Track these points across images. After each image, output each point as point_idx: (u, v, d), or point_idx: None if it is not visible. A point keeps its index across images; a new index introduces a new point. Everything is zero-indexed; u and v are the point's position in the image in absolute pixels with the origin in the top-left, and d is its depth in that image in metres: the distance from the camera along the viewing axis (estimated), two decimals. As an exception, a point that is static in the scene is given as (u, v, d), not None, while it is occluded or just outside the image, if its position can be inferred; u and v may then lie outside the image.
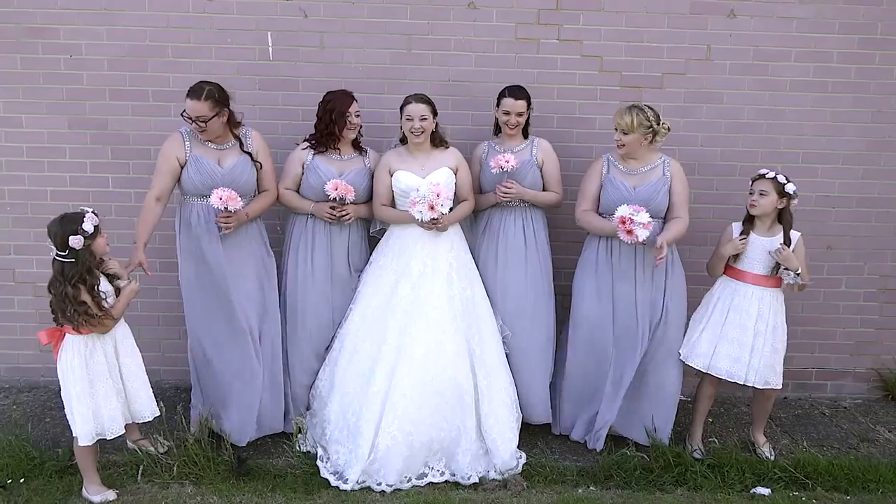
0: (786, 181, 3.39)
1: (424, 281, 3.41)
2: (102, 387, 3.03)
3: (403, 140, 3.60)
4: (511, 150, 3.63)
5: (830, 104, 4.05)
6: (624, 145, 3.44)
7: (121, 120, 3.99)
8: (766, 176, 3.40)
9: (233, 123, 3.47)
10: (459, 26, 3.95)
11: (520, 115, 3.59)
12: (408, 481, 3.26)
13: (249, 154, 3.47)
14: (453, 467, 3.33)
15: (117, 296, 3.10)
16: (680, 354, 3.53)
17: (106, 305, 3.01)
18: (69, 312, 2.90)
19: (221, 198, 3.21)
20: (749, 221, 3.48)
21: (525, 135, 3.72)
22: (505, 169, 3.48)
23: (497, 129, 3.75)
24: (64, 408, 3.84)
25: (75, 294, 2.89)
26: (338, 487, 3.24)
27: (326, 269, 3.57)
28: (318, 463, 3.37)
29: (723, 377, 3.46)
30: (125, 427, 3.25)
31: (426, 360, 3.30)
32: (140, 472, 3.29)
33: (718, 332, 3.47)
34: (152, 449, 3.41)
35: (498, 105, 3.64)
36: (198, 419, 3.50)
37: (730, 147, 4.09)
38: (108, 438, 3.07)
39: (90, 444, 3.03)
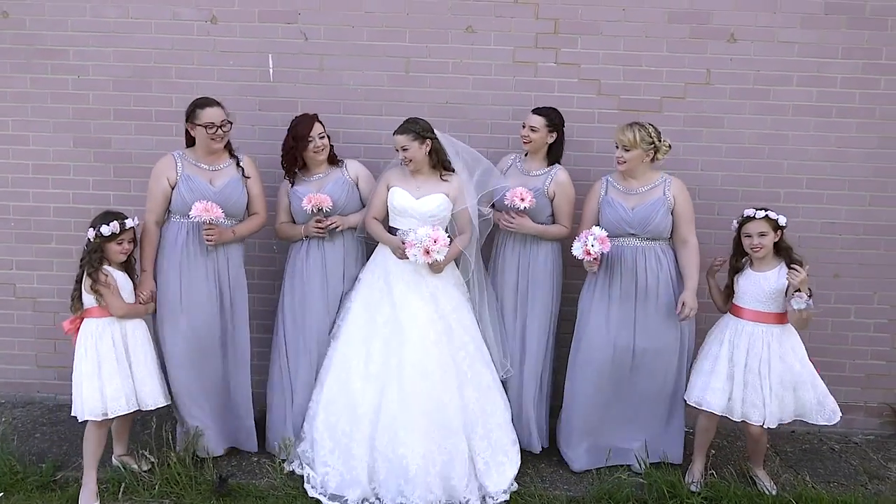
0: (776, 215, 3.33)
1: (407, 301, 3.38)
2: (108, 367, 3.17)
3: None
4: (528, 173, 3.63)
5: (835, 129, 3.98)
6: (625, 162, 3.41)
7: (124, 139, 4.06)
8: (758, 217, 3.32)
9: (229, 144, 3.54)
10: (457, 49, 3.98)
11: (532, 129, 3.57)
12: None
13: (242, 169, 3.50)
14: (449, 491, 3.22)
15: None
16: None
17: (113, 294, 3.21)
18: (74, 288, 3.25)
19: (198, 210, 3.25)
20: (740, 257, 3.41)
21: (551, 161, 3.68)
22: (516, 207, 3.47)
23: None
24: (54, 423, 3.90)
25: (80, 273, 3.22)
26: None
27: (323, 288, 3.56)
28: (306, 485, 3.31)
29: (714, 412, 3.34)
30: (116, 440, 3.39)
31: (412, 383, 3.25)
32: (122, 489, 3.25)
33: (713, 366, 3.37)
34: (135, 466, 3.37)
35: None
36: (183, 437, 3.46)
37: (731, 171, 4.02)
38: (109, 416, 3.18)
39: (98, 419, 3.16)
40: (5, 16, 3.98)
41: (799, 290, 3.20)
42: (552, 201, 3.59)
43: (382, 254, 3.55)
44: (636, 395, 3.49)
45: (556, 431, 3.70)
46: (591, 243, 3.27)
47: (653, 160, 3.45)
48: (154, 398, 3.28)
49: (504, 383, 3.58)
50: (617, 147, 3.43)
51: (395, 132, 3.49)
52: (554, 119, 3.61)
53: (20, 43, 4.00)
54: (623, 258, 3.40)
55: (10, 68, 4.02)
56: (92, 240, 3.19)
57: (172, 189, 3.38)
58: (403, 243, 3.36)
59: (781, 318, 3.34)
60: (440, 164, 3.54)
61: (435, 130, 3.55)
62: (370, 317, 3.41)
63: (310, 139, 3.53)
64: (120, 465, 3.38)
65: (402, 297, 3.39)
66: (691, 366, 3.50)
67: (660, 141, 3.41)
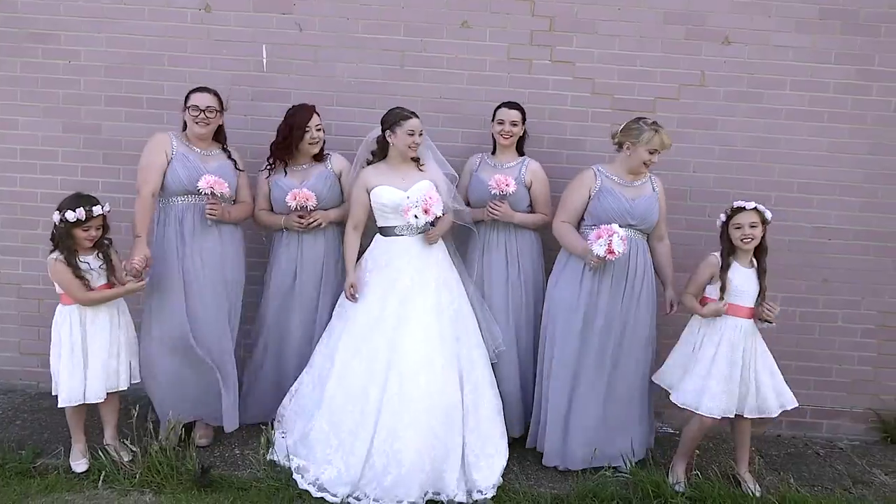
0: (764, 208, 3.34)
1: (413, 295, 3.34)
2: (64, 355, 3.21)
3: (376, 155, 3.57)
4: (502, 166, 3.66)
5: (827, 134, 3.99)
6: (653, 163, 3.43)
7: (114, 126, 4.03)
8: (748, 208, 3.31)
9: (221, 134, 3.55)
10: (452, 45, 3.97)
11: (514, 124, 3.63)
12: None
13: (234, 161, 3.53)
14: (440, 485, 3.20)
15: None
16: (668, 391, 3.46)
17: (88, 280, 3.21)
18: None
19: (209, 182, 3.27)
20: (731, 254, 3.36)
21: (520, 153, 3.74)
22: (504, 192, 3.48)
23: (495, 147, 3.76)
24: (35, 411, 3.89)
25: (51, 259, 3.20)
26: (324, 499, 3.16)
27: (299, 283, 3.57)
28: (295, 475, 3.26)
29: (716, 416, 3.30)
30: (104, 425, 3.40)
31: (416, 377, 3.22)
32: (101, 478, 3.22)
33: (708, 369, 3.31)
34: (116, 456, 3.33)
35: (493, 119, 3.68)
36: (166, 427, 3.42)
37: (723, 174, 4.03)
38: (59, 406, 3.23)
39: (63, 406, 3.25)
40: (-3, -2, 3.95)
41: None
42: (529, 190, 3.64)
43: (383, 249, 3.49)
44: (618, 392, 3.46)
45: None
46: (616, 242, 3.19)
47: None
48: (96, 394, 3.24)
49: (497, 374, 3.56)
50: (653, 152, 3.37)
51: (414, 116, 3.43)
52: (524, 112, 3.69)
53: (11, 26, 3.96)
54: None
55: (1, 52, 3.98)
56: (57, 224, 3.15)
57: (168, 165, 3.38)
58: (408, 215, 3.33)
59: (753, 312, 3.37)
60: (415, 158, 3.54)
61: None
62: (373, 314, 3.36)
63: (307, 129, 3.52)
64: (102, 454, 3.33)
65: (408, 291, 3.35)
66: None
67: None
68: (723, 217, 3.38)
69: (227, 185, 3.32)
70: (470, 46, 3.97)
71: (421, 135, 3.46)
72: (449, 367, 3.29)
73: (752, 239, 3.32)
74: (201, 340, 3.40)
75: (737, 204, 3.35)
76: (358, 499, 3.15)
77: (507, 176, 3.52)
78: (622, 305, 3.42)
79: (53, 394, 3.25)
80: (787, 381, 3.43)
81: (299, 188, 3.48)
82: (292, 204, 3.45)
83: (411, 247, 3.43)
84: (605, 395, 3.46)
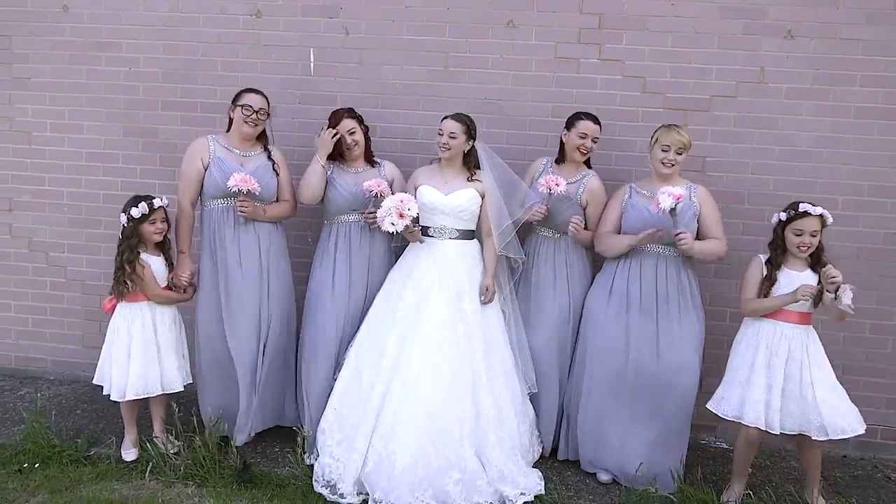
0: (828, 214, 3.11)
1: (431, 295, 3.32)
2: (136, 351, 3.32)
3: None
4: (566, 180, 3.52)
5: (902, 133, 3.71)
6: (674, 165, 3.30)
7: (170, 129, 4.19)
8: (812, 213, 3.08)
9: (263, 135, 3.61)
10: (497, 45, 3.91)
11: (595, 140, 3.53)
12: None
13: (273, 162, 3.57)
14: (442, 497, 3.10)
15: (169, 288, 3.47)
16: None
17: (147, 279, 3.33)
18: (115, 273, 3.34)
19: (236, 181, 3.29)
20: (780, 257, 3.16)
21: (587, 165, 3.64)
22: (553, 192, 3.37)
23: (561, 155, 3.62)
24: (94, 401, 4.04)
25: (119, 260, 3.32)
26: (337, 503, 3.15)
27: (345, 280, 3.55)
28: (314, 481, 3.26)
29: (751, 424, 3.11)
30: (153, 419, 3.52)
31: (418, 380, 3.18)
32: (148, 468, 3.33)
33: (748, 376, 3.12)
34: (163, 448, 3.45)
35: (569, 128, 3.53)
36: (209, 422, 3.52)
37: (785, 176, 3.79)
38: (126, 398, 3.33)
39: (121, 399, 3.33)
40: (65, 9, 4.17)
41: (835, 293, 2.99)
42: (585, 209, 3.54)
43: (413, 251, 3.51)
44: (659, 412, 3.30)
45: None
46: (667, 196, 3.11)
47: None
48: (179, 381, 3.43)
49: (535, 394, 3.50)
50: (666, 150, 3.29)
51: (450, 117, 3.44)
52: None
53: (78, 36, 4.18)
54: (643, 264, 3.29)
55: (68, 60, 4.21)
56: (125, 225, 3.31)
57: (205, 171, 3.46)
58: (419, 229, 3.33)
59: (810, 318, 3.14)
60: (470, 167, 3.50)
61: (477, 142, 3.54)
62: (390, 312, 3.37)
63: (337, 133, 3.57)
64: (150, 446, 3.45)
65: (427, 293, 3.34)
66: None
67: None
68: (782, 216, 3.16)
69: (257, 182, 3.34)
70: (516, 46, 3.90)
71: (452, 137, 3.40)
72: (460, 376, 3.21)
73: (810, 248, 3.11)
74: (238, 342, 3.48)
75: (802, 207, 3.10)
76: (374, 499, 3.11)
77: (558, 177, 3.39)
78: (657, 324, 3.28)
79: (105, 391, 3.36)
80: (855, 399, 3.15)
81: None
82: (375, 190, 3.42)
83: (440, 250, 3.41)
84: (634, 414, 3.32)
